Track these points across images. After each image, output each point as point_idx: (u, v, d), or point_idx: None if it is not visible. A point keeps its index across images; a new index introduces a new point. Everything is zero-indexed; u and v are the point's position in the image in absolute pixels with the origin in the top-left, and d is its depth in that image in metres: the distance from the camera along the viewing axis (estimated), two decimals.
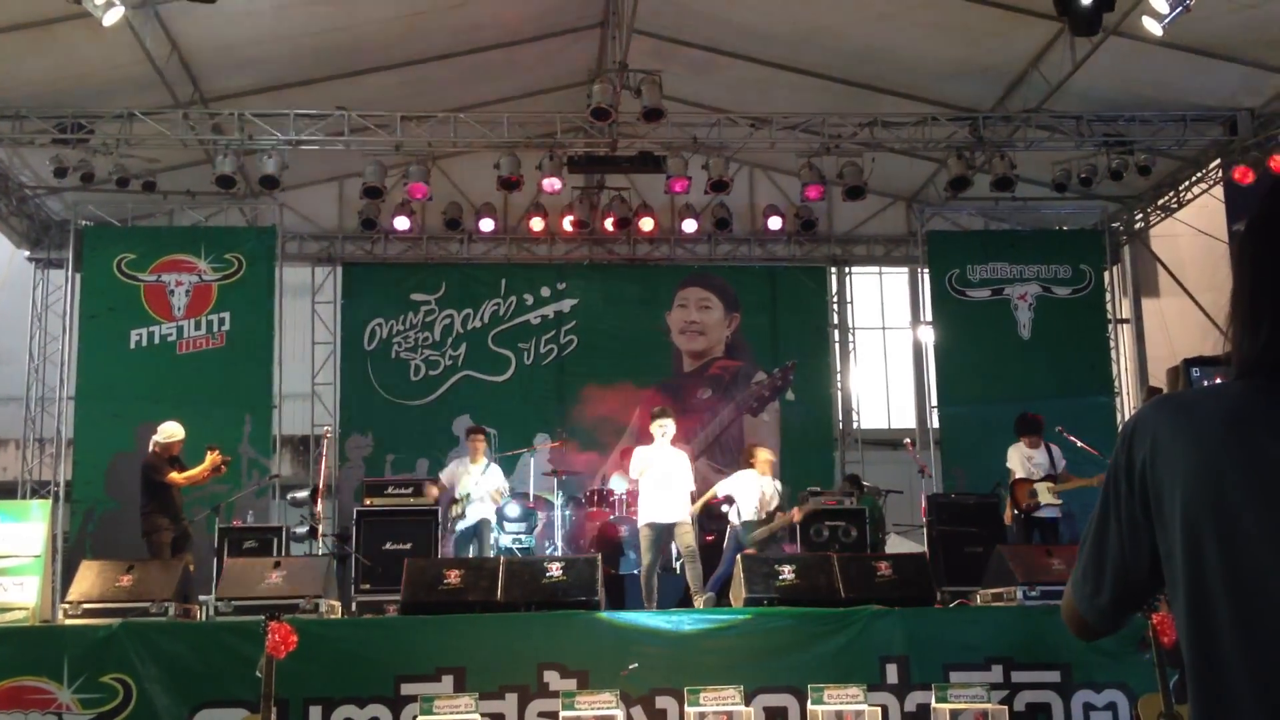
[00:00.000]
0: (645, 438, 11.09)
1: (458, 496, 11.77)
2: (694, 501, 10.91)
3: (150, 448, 10.89)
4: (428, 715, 7.03)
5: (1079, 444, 10.97)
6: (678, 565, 12.09)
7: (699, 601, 9.90)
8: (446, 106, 13.60)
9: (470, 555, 11.44)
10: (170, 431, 10.90)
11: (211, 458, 10.88)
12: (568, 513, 12.82)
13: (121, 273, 14.51)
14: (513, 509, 12.33)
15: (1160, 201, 15.60)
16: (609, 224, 15.33)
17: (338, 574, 9.84)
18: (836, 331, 17.04)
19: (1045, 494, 10.94)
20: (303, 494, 13.55)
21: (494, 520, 11.94)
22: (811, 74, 13.71)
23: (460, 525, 11.71)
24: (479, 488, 11.76)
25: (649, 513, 10.20)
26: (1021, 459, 11.22)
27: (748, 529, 11.16)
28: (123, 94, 12.57)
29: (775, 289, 16.70)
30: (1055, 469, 11.09)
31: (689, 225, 15.48)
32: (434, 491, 11.51)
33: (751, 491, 11.35)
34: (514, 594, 8.28)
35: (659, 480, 10.21)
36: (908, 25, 12.38)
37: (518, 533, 12.31)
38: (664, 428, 10.36)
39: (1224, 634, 1.83)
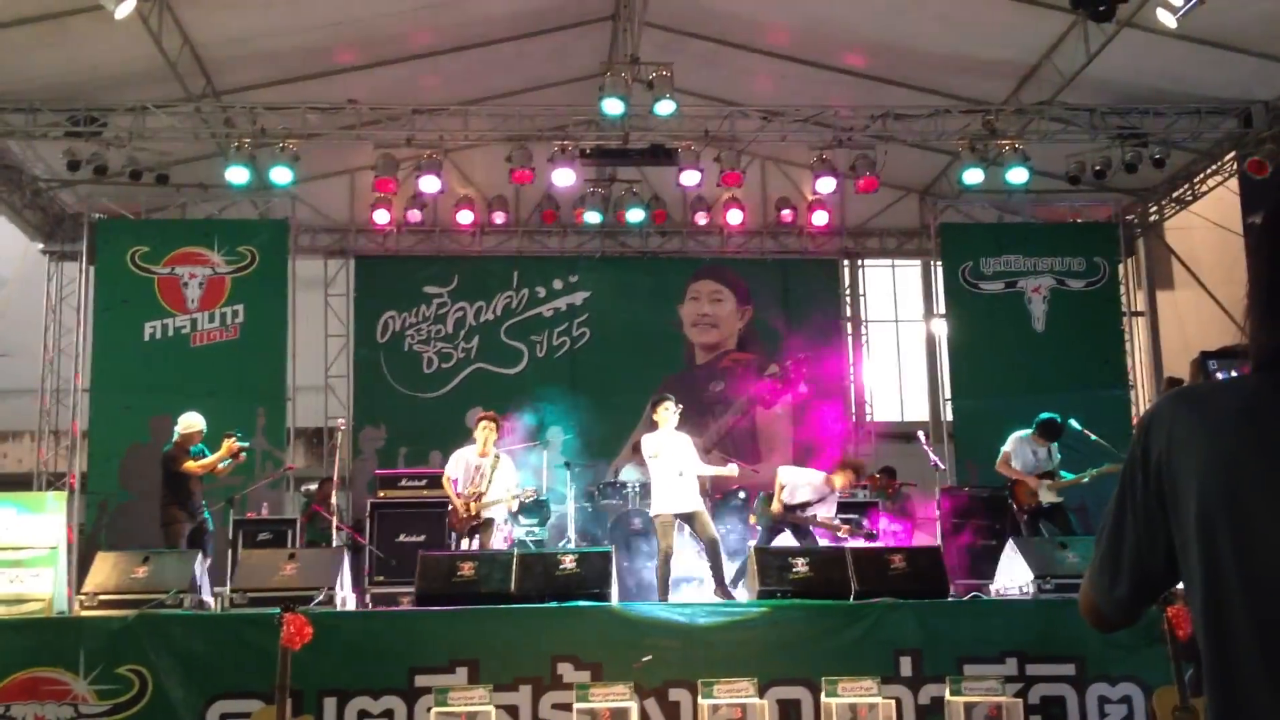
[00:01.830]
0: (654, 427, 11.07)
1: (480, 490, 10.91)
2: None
3: (173, 438, 10.91)
4: (442, 707, 7.05)
5: (1093, 437, 10.94)
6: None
7: (735, 593, 9.84)
8: (458, 99, 13.61)
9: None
10: (189, 423, 10.89)
11: (227, 445, 10.88)
12: (587, 506, 12.83)
13: (135, 265, 14.56)
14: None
15: (1175, 194, 15.54)
16: (621, 216, 15.32)
17: (352, 566, 9.85)
18: (849, 324, 17.01)
19: (1045, 492, 10.93)
20: (312, 486, 13.63)
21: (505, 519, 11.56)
22: (824, 66, 13.69)
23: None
24: (495, 485, 10.74)
25: (663, 503, 10.15)
26: (1027, 453, 11.16)
27: None
28: (135, 87, 12.59)
29: (788, 282, 16.68)
30: (1052, 465, 11.10)
31: (701, 218, 15.47)
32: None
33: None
34: (528, 586, 8.29)
35: (672, 468, 10.14)
36: (920, 17, 12.34)
37: (531, 525, 12.31)
38: (669, 411, 10.27)
39: (1239, 626, 1.83)
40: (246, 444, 11.12)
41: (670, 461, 10.13)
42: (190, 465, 10.72)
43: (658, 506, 10.21)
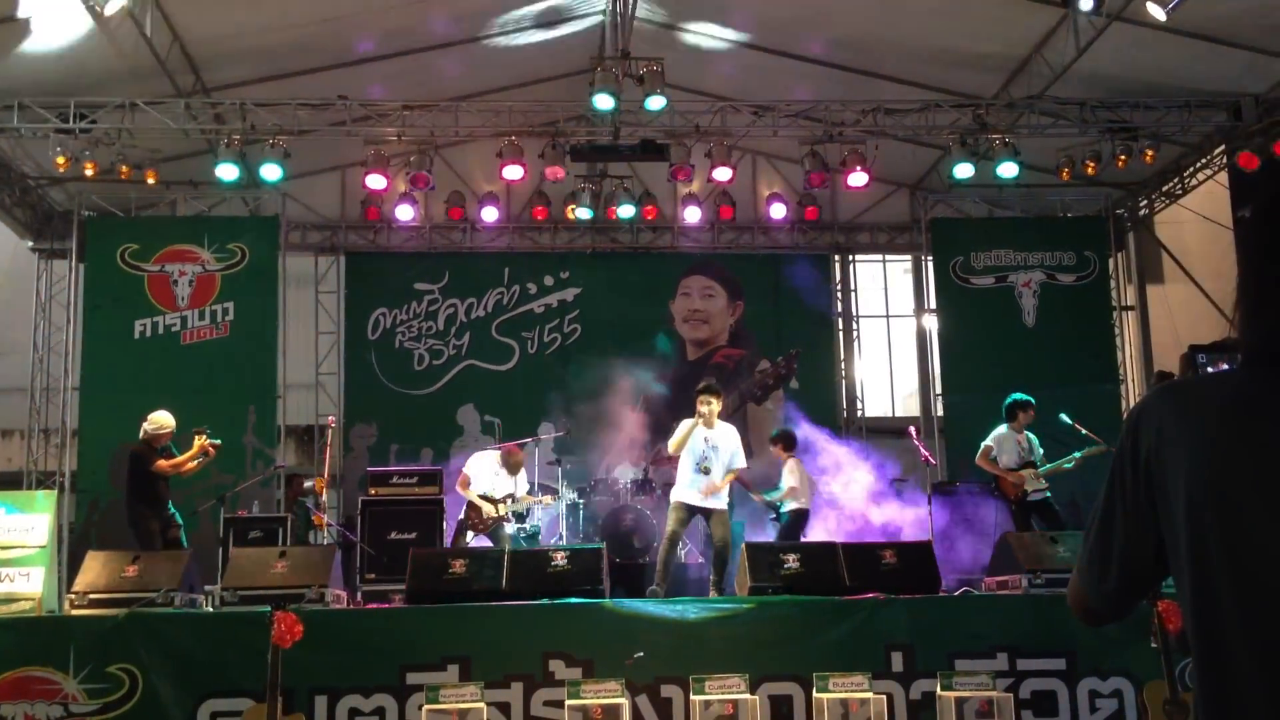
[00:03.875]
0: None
1: (496, 497, 11.39)
2: (747, 486, 11.02)
3: (140, 436, 10.84)
4: (433, 704, 7.04)
5: (1084, 431, 10.96)
6: (683, 553, 12.06)
7: (713, 594, 9.83)
8: (449, 95, 13.58)
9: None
10: (160, 422, 10.79)
11: (199, 443, 10.81)
12: (580, 502, 12.81)
13: (125, 263, 14.51)
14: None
15: (1165, 188, 15.56)
16: (611, 212, 15.31)
17: (343, 563, 9.83)
18: (840, 319, 17.02)
19: (1031, 480, 10.99)
20: (310, 482, 13.60)
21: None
22: (814, 61, 13.68)
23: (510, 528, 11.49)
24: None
25: (679, 491, 10.01)
26: (1012, 446, 11.23)
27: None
28: (124, 84, 12.54)
29: (779, 277, 16.69)
30: (1033, 455, 11.16)
31: (692, 213, 15.47)
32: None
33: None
34: (519, 583, 8.28)
35: (698, 460, 9.90)
36: (910, 11, 12.34)
37: (522, 523, 12.31)
38: (708, 404, 9.89)
39: (1228, 620, 1.83)
40: (218, 441, 11.03)
41: (695, 451, 9.94)
42: (161, 464, 10.64)
43: (674, 492, 10.13)
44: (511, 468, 11.56)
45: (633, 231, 16.54)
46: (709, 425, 9.95)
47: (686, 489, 9.96)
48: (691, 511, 10.00)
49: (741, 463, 10.19)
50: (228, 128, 13.06)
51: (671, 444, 10.08)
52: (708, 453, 9.92)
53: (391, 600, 9.88)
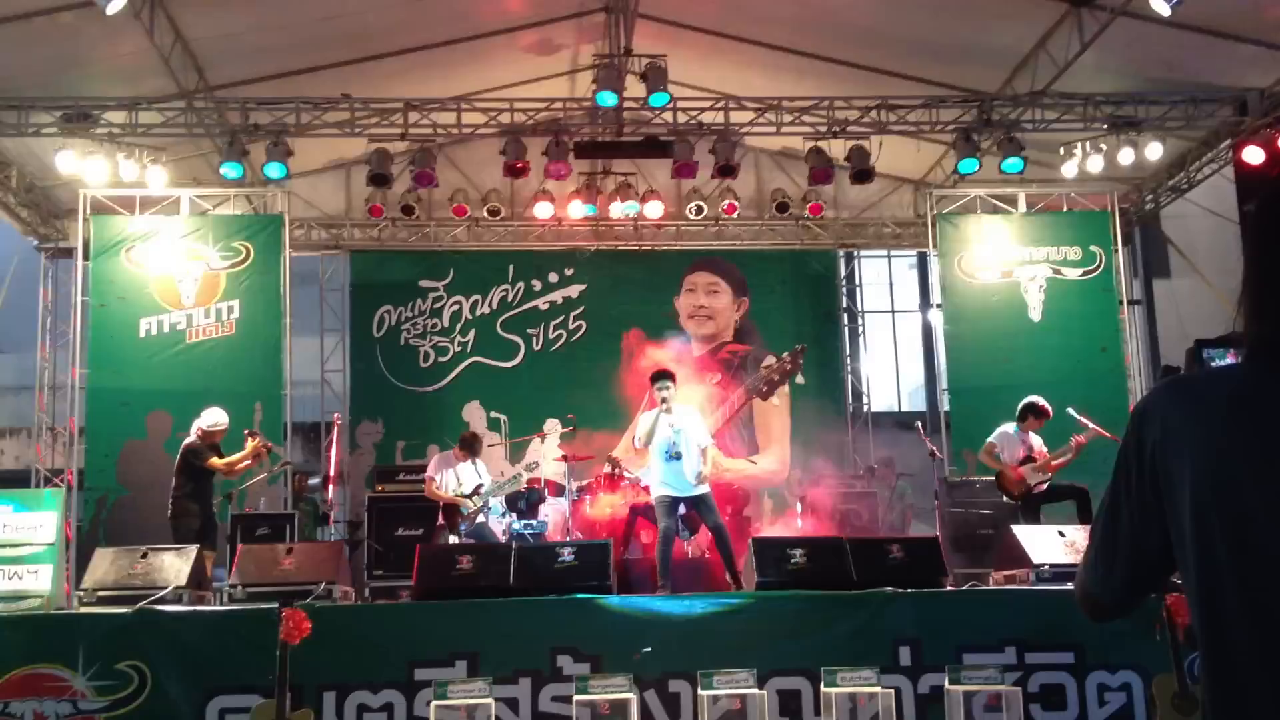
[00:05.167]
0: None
1: (465, 493, 11.41)
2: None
3: (193, 433, 10.89)
4: (442, 700, 7.05)
5: (1091, 425, 10.96)
6: (688, 549, 12.06)
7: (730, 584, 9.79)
8: (452, 93, 13.58)
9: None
10: (215, 420, 10.90)
11: (253, 444, 10.89)
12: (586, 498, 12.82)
13: (130, 262, 14.50)
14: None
15: (1170, 182, 15.52)
16: (615, 209, 15.32)
17: (350, 560, 9.85)
18: (846, 315, 17.01)
19: (1032, 475, 11.01)
20: (315, 480, 13.64)
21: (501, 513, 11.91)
22: (818, 57, 13.67)
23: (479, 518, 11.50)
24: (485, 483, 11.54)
25: (657, 485, 9.93)
26: (1015, 445, 11.25)
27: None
28: (127, 83, 12.56)
29: (784, 273, 16.68)
30: (1033, 452, 11.20)
31: (696, 210, 15.46)
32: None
33: None
34: (526, 579, 8.30)
35: (667, 448, 9.81)
36: (913, 7, 12.34)
37: (530, 518, 12.31)
38: (666, 391, 9.83)
39: (1234, 613, 1.84)
40: (271, 445, 11.12)
41: (661, 441, 9.92)
42: (216, 462, 10.73)
43: (653, 489, 10.08)
44: (465, 445, 11.55)
45: (636, 228, 16.52)
46: (669, 410, 9.89)
47: (662, 481, 9.88)
48: (676, 503, 9.87)
49: (709, 440, 10.14)
50: (231, 126, 13.07)
51: (639, 438, 10.00)
52: (674, 438, 9.83)
53: (399, 596, 9.91)
